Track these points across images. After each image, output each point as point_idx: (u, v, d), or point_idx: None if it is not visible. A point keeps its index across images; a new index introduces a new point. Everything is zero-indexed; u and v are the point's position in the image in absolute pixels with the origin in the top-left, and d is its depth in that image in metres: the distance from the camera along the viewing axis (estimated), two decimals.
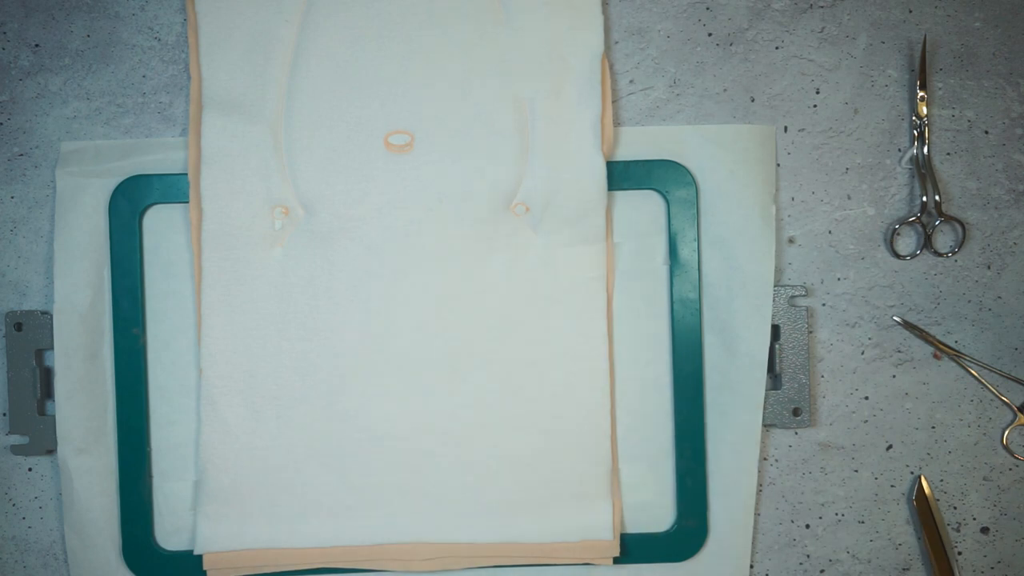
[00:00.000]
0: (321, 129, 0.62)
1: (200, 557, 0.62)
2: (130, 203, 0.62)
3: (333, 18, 0.62)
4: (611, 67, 0.65)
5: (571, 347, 0.62)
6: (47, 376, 0.64)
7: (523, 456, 0.62)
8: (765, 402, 0.63)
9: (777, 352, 0.64)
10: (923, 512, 0.65)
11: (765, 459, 0.65)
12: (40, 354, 0.64)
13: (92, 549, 0.63)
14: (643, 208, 0.64)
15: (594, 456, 0.62)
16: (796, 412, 0.64)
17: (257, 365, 0.62)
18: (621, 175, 0.63)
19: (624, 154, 0.64)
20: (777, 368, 0.64)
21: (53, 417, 0.63)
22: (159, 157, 0.63)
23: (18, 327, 0.63)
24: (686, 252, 0.63)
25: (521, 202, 0.63)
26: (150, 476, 0.63)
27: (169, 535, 0.63)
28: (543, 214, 0.62)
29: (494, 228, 0.62)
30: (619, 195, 0.64)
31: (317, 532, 0.62)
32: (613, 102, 0.64)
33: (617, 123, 0.65)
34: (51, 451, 0.63)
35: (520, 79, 0.62)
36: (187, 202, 0.62)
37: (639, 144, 0.64)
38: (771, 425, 0.64)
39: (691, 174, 0.63)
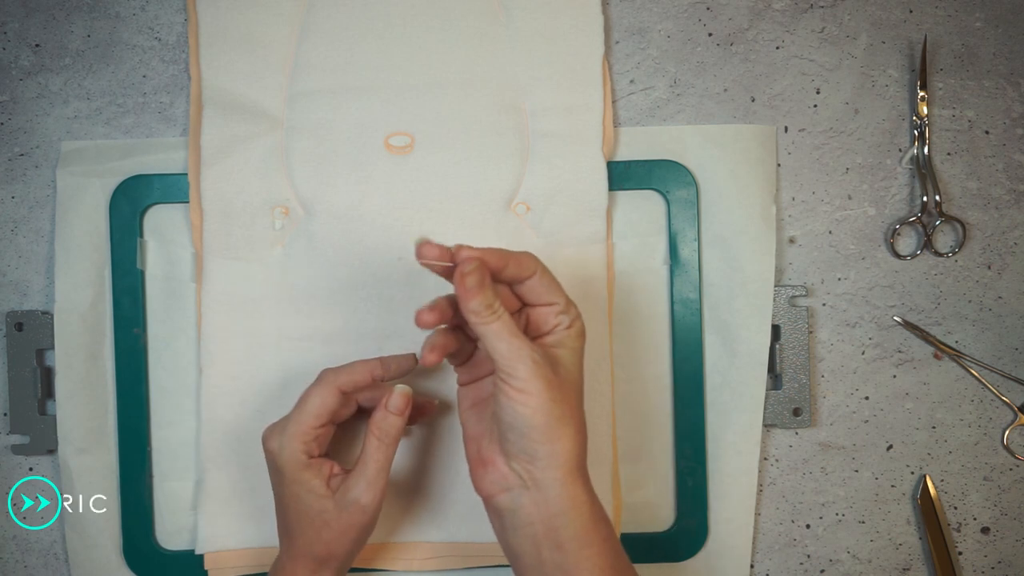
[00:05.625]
0: (321, 130, 0.62)
1: (201, 557, 0.62)
2: (130, 203, 0.63)
3: (333, 19, 0.62)
4: (611, 67, 0.65)
5: None
6: (48, 376, 0.64)
7: None
8: (765, 402, 0.63)
9: (777, 352, 0.64)
10: (927, 512, 0.65)
11: (765, 459, 0.65)
12: (41, 354, 0.64)
13: (93, 549, 0.63)
14: (643, 208, 0.64)
15: (594, 456, 0.62)
16: (796, 412, 0.64)
17: (257, 365, 0.62)
18: (621, 175, 0.63)
19: (624, 154, 0.64)
20: (777, 368, 0.64)
21: (54, 417, 0.63)
22: (159, 157, 0.63)
23: (19, 327, 0.63)
24: (686, 252, 0.63)
25: (522, 202, 0.62)
26: (150, 476, 0.63)
27: (170, 535, 0.63)
28: (544, 214, 0.62)
29: (495, 228, 0.62)
30: (619, 195, 0.64)
31: None
32: (613, 102, 0.64)
33: (617, 123, 0.65)
34: (52, 451, 0.64)
35: (520, 79, 0.62)
36: (187, 202, 0.62)
37: (639, 144, 0.64)
38: (771, 425, 0.64)
39: (691, 174, 0.63)
